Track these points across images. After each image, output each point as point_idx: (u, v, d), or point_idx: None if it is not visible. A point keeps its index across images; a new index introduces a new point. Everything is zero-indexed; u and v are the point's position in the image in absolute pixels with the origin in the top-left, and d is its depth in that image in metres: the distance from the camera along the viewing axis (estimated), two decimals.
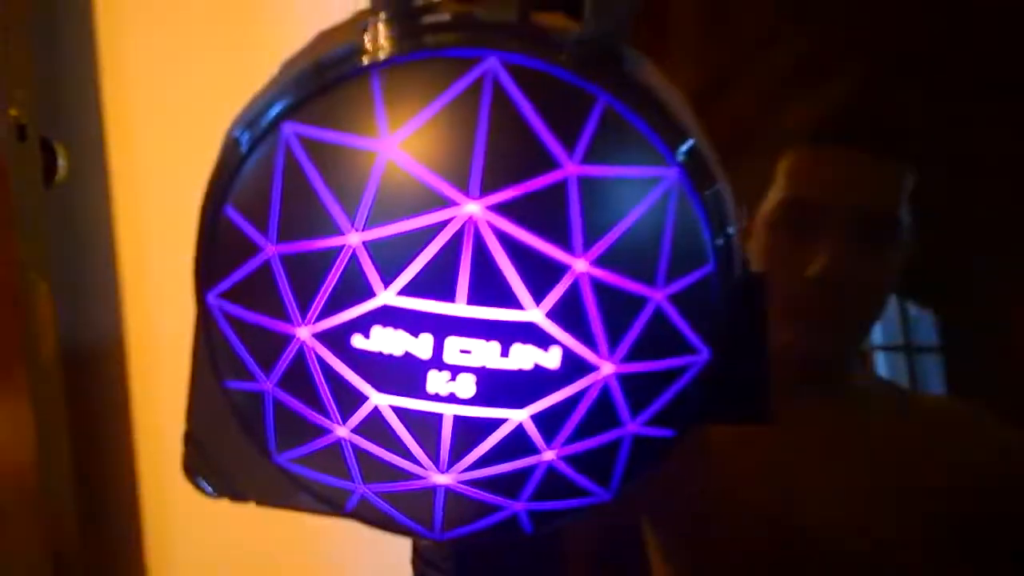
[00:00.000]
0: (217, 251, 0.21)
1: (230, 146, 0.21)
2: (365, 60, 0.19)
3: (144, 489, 0.95)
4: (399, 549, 0.26)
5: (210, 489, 0.24)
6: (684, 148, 0.20)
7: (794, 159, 0.44)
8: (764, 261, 0.44)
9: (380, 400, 0.20)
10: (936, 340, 0.46)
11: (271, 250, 0.20)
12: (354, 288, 0.19)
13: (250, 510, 0.84)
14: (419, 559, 0.26)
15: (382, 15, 0.20)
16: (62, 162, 0.90)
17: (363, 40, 0.20)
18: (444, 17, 0.21)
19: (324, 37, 0.22)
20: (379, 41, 0.20)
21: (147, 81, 0.89)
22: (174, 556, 0.93)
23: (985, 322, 0.45)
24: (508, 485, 0.21)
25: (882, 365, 0.46)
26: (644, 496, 0.47)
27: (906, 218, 0.43)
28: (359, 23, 0.21)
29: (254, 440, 0.22)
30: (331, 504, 0.23)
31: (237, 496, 0.24)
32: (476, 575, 0.26)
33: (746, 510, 0.46)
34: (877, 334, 0.46)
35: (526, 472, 0.21)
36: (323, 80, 0.20)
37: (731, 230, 0.21)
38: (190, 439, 0.24)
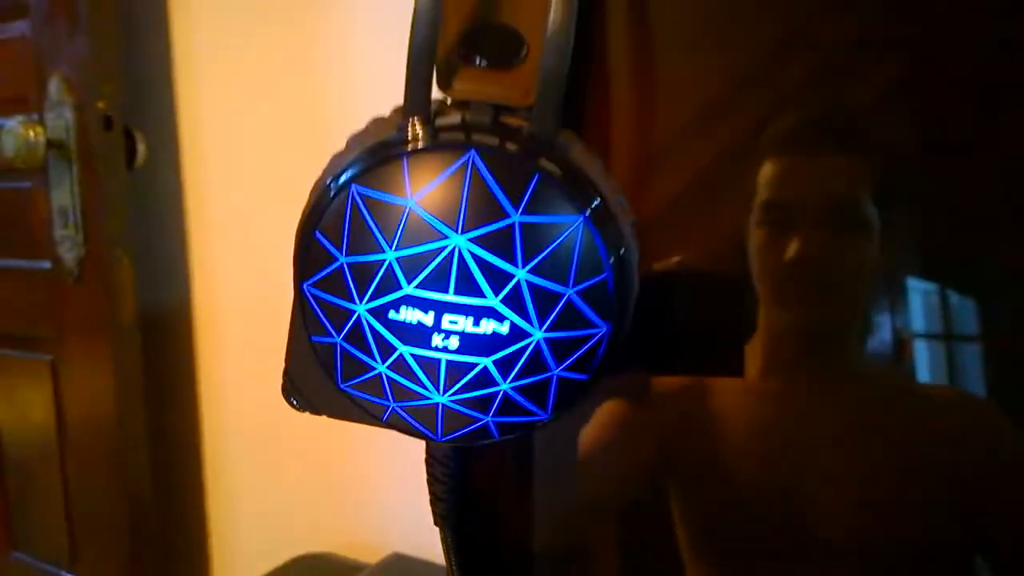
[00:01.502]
0: (309, 258, 0.35)
1: (322, 192, 0.35)
2: (400, 149, 0.34)
3: (206, 437, 1.09)
4: (416, 452, 0.42)
5: (299, 405, 0.39)
6: (592, 204, 0.33)
7: (769, 166, 0.51)
8: (756, 255, 0.51)
9: (404, 350, 0.34)
10: (977, 329, 0.47)
11: (342, 260, 0.35)
12: (390, 283, 0.34)
13: (297, 462, 1.02)
14: (430, 458, 0.38)
15: (415, 117, 0.35)
16: (141, 148, 1.05)
17: (400, 134, 0.35)
18: (447, 120, 0.35)
19: (376, 123, 0.37)
20: (409, 135, 0.34)
21: (215, 76, 1.00)
22: (232, 496, 1.07)
23: None
24: (481, 405, 0.35)
25: (922, 353, 0.48)
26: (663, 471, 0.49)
27: (872, 211, 0.49)
28: (398, 121, 0.35)
29: (328, 374, 0.36)
30: (373, 416, 0.37)
31: (315, 411, 0.38)
32: (467, 469, 0.41)
33: (752, 485, 0.51)
34: (918, 322, 0.48)
35: (491, 397, 0.35)
36: (375, 159, 0.34)
37: (623, 252, 0.34)
38: (287, 373, 0.38)
